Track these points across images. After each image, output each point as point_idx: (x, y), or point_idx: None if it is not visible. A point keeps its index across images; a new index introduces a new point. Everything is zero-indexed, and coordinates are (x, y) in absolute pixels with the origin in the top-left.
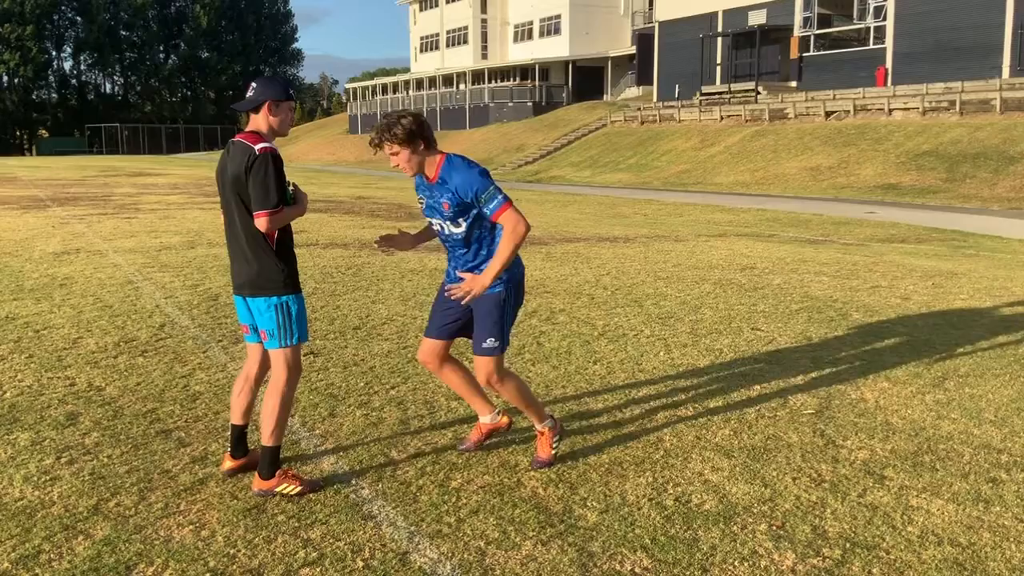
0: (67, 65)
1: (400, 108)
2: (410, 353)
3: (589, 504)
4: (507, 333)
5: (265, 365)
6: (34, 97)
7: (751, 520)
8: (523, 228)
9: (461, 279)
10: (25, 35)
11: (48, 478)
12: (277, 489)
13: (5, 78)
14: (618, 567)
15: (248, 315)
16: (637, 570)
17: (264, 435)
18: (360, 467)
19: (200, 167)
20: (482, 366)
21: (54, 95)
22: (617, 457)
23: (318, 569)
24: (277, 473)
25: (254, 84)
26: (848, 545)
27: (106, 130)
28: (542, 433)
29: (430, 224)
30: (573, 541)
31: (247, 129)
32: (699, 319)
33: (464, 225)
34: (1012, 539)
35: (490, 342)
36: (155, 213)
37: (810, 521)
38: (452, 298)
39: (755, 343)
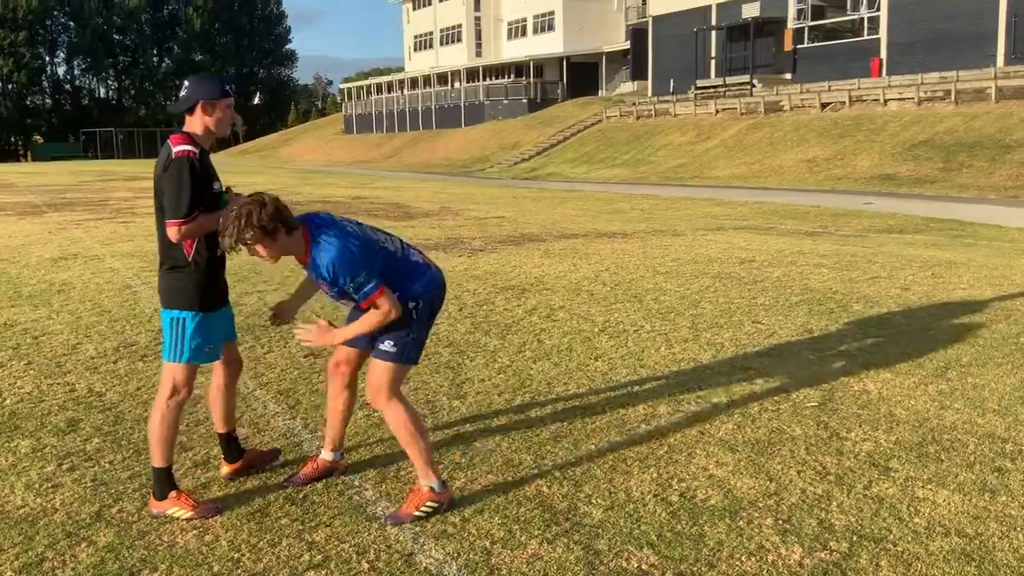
0: (61, 70)
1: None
2: None
3: (594, 501)
4: (411, 350)
5: (232, 366)
6: (28, 103)
7: (757, 514)
8: (395, 314)
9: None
10: (18, 41)
11: (50, 485)
12: (169, 512)
13: None
14: (624, 564)
15: None
16: (644, 567)
17: (152, 455)
18: (363, 468)
19: None
20: (374, 373)
21: (48, 100)
22: (621, 453)
23: (323, 572)
24: (170, 495)
25: (187, 83)
26: (855, 538)
27: (101, 135)
28: (418, 490)
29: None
30: (579, 539)
31: (183, 130)
32: (699, 313)
33: (351, 300)
34: (1019, 528)
35: (388, 344)
36: (152, 217)
37: (816, 514)
38: (296, 336)
39: (756, 336)
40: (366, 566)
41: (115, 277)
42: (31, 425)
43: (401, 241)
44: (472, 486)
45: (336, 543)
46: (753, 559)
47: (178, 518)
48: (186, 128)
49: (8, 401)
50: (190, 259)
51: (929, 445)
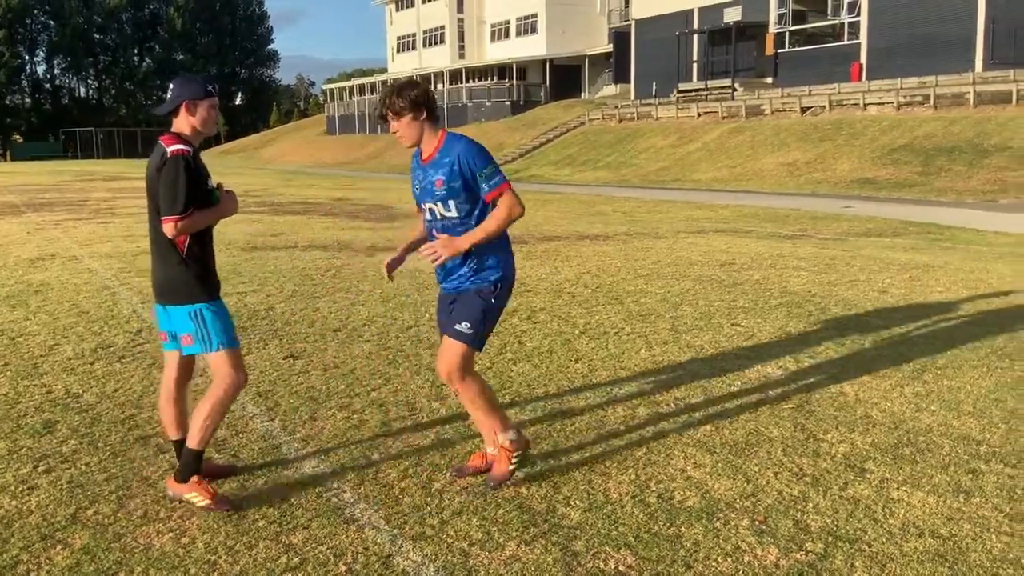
0: (40, 69)
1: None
2: (391, 355)
3: (572, 503)
4: (484, 332)
5: (185, 372)
6: (7, 102)
7: (734, 515)
8: (518, 210)
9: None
10: None
11: (25, 487)
12: (186, 496)
13: None
14: (602, 565)
15: (168, 322)
16: (621, 568)
17: (191, 437)
18: (342, 470)
19: None
20: (447, 352)
21: (27, 99)
22: (599, 455)
23: (300, 574)
24: (192, 479)
25: (171, 85)
26: (830, 539)
27: (81, 134)
28: (501, 447)
29: (422, 216)
30: (557, 540)
31: (171, 130)
32: (679, 316)
33: (455, 209)
34: (992, 530)
35: (464, 326)
36: (132, 217)
37: (792, 515)
38: (421, 256)
39: (735, 339)
40: (343, 568)
41: (93, 278)
42: (7, 427)
43: None
44: (451, 488)
45: (314, 545)
46: (729, 560)
47: (195, 504)
48: (174, 128)
49: None
50: (184, 255)
51: (905, 447)
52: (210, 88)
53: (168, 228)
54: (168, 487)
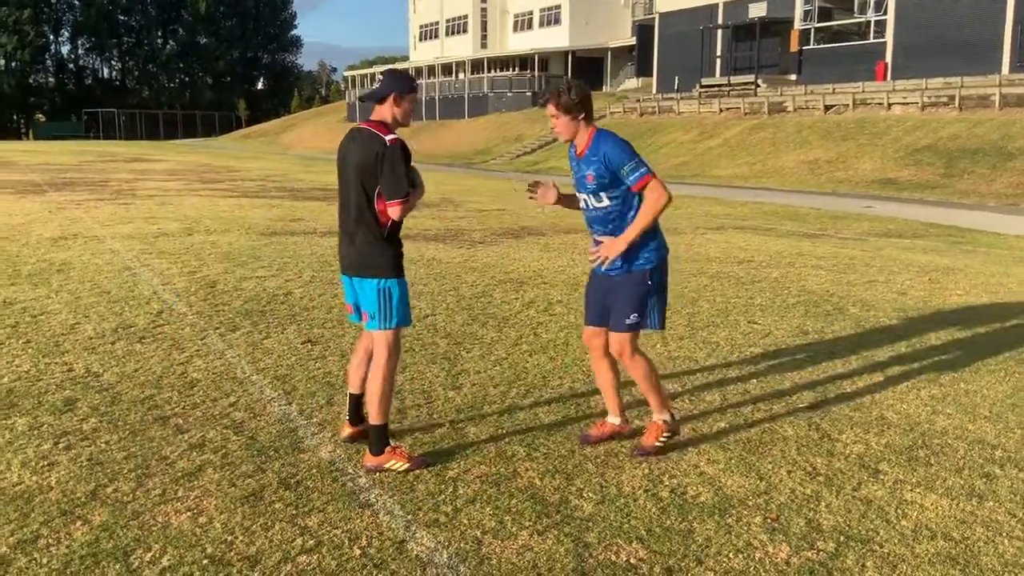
0: (64, 49)
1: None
2: (407, 343)
3: (585, 495)
4: (653, 312)
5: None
6: (31, 81)
7: (746, 512)
8: (664, 199)
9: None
10: (23, 19)
11: (46, 463)
12: (386, 465)
13: (2, 62)
14: (614, 557)
15: (353, 294)
16: (633, 560)
17: (371, 414)
18: (357, 456)
19: (197, 153)
20: (618, 339)
21: (51, 79)
22: (613, 448)
23: (315, 556)
24: (386, 450)
25: (381, 76)
26: (842, 538)
27: (103, 115)
28: (656, 424)
29: (576, 196)
30: (569, 531)
31: (372, 118)
32: (696, 312)
33: (607, 200)
34: (1005, 534)
35: (633, 318)
36: (152, 199)
37: (805, 514)
38: (592, 261)
39: (752, 336)
40: (358, 552)
41: (114, 258)
42: (28, 403)
43: None
44: (465, 476)
45: (329, 528)
46: (741, 556)
47: (396, 470)
48: (375, 116)
49: (6, 379)
50: (386, 233)
51: (919, 449)
52: (415, 85)
53: (395, 211)
54: (366, 462)
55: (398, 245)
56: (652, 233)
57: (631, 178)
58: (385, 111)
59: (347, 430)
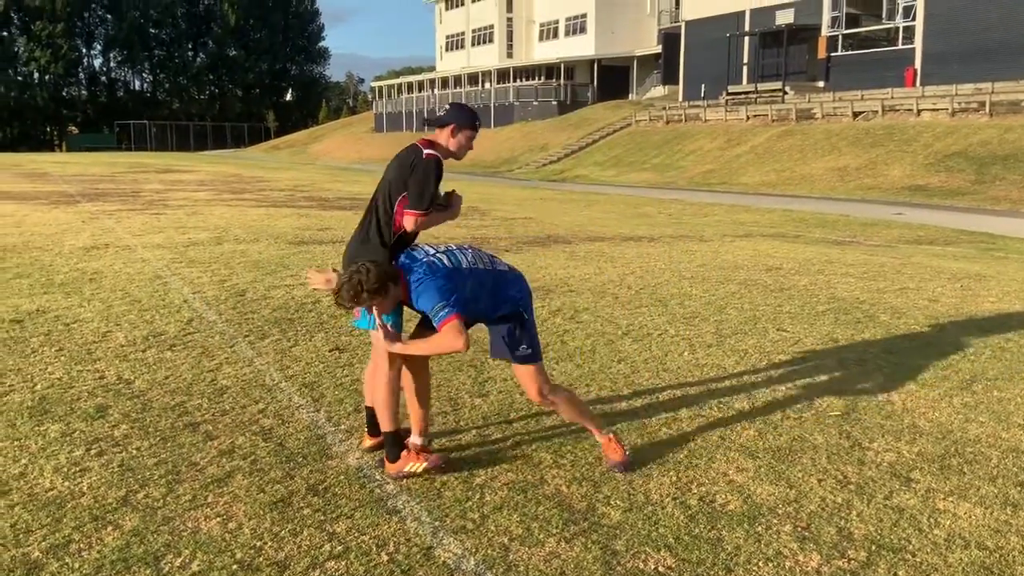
0: (97, 62)
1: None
2: None
3: (613, 502)
4: (539, 346)
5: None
6: (64, 94)
7: (776, 521)
8: (456, 348)
9: None
10: (56, 32)
11: (78, 469)
12: (407, 469)
13: (36, 75)
14: (642, 565)
15: None
16: (661, 569)
17: (381, 423)
18: (385, 462)
19: (227, 164)
20: (526, 377)
21: (84, 92)
22: (641, 456)
23: (343, 563)
24: (402, 455)
25: (447, 107)
26: (874, 547)
27: (135, 127)
28: (608, 440)
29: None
30: (597, 539)
31: (428, 137)
32: (724, 319)
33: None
34: None
35: (523, 348)
36: (183, 209)
37: (835, 523)
38: (374, 338)
39: (781, 344)
40: (385, 558)
41: (146, 267)
42: (61, 410)
43: (488, 255)
44: (492, 483)
45: (357, 535)
46: (771, 565)
47: (416, 473)
48: (432, 138)
49: (39, 386)
50: (392, 239)
51: (952, 457)
52: (477, 123)
53: (409, 221)
54: (388, 471)
55: (392, 256)
56: (510, 278)
57: (436, 319)
58: (441, 136)
59: (368, 441)
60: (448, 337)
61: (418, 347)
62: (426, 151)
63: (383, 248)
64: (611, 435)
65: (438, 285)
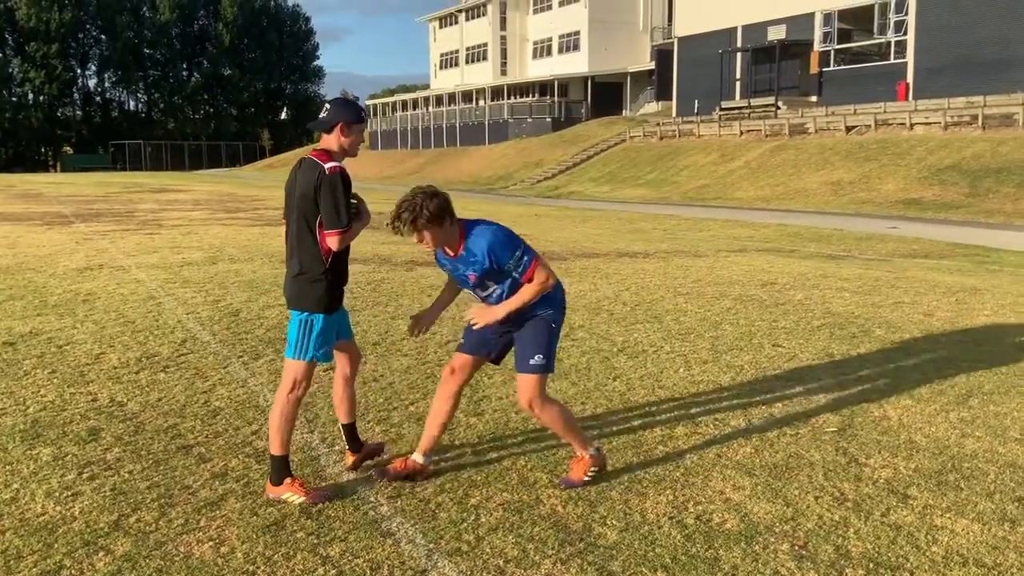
0: (92, 83)
1: (420, 190)
2: (429, 369)
3: (609, 522)
4: (553, 359)
5: (352, 360)
6: (59, 114)
7: (773, 540)
8: (550, 284)
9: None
10: (50, 53)
11: (70, 493)
12: (283, 496)
13: (31, 96)
14: None
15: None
16: None
17: (271, 444)
18: (378, 484)
19: (222, 183)
20: (525, 385)
21: (78, 112)
22: (637, 475)
23: None
24: (285, 481)
25: (328, 105)
26: (872, 565)
27: (130, 147)
28: (582, 458)
29: (450, 278)
30: (593, 560)
31: (319, 147)
32: (719, 335)
33: (491, 287)
34: None
35: (538, 359)
36: (177, 229)
37: (833, 541)
38: (467, 318)
39: (776, 360)
40: None
41: (139, 288)
42: (53, 433)
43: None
44: (487, 504)
45: (350, 558)
46: None
47: (292, 502)
48: (322, 145)
49: (31, 409)
50: (327, 264)
51: (949, 473)
52: (363, 115)
53: (333, 241)
54: (267, 492)
55: (337, 281)
56: (551, 297)
57: (518, 272)
58: (331, 140)
59: (349, 459)
60: (541, 277)
61: (521, 298)
62: (327, 166)
63: (323, 278)
64: (591, 456)
65: (506, 233)
